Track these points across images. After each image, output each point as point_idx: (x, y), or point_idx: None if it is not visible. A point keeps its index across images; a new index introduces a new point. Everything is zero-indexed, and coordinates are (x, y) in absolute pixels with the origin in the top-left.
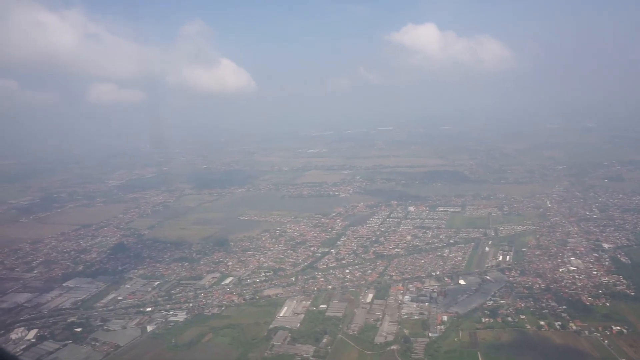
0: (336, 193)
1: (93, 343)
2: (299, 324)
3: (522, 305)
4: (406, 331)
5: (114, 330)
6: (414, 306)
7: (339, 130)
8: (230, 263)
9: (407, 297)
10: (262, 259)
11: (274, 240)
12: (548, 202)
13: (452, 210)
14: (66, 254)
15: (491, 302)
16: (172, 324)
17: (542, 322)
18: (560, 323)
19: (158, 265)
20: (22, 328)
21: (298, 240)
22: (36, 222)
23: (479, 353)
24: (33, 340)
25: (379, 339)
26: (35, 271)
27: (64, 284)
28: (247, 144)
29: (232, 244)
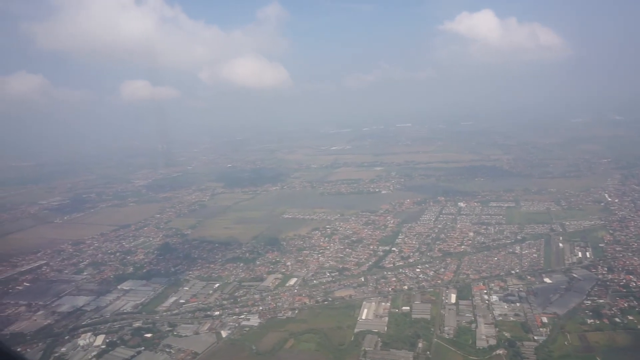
0: (376, 190)
1: (168, 350)
2: (385, 328)
3: (626, 304)
4: (507, 334)
5: (187, 336)
6: (505, 307)
7: (356, 127)
8: (289, 263)
9: (494, 297)
10: (321, 258)
11: (327, 238)
12: (607, 196)
13: (506, 205)
14: (112, 255)
15: (589, 302)
16: (246, 329)
17: None
18: None
19: (212, 266)
20: (89, 333)
21: (353, 238)
22: (71, 222)
23: (598, 358)
24: (103, 346)
25: (480, 343)
26: (85, 273)
27: (119, 287)
28: (265, 142)
29: (284, 243)
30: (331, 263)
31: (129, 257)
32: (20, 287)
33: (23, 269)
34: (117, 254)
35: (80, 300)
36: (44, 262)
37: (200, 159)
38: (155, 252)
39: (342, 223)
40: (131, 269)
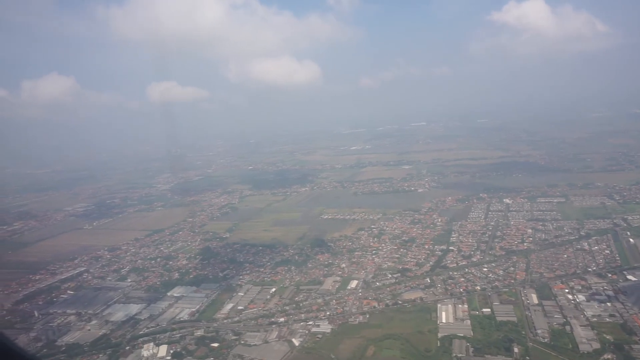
0: (412, 188)
1: None
2: (471, 332)
3: None
4: (608, 337)
5: (256, 345)
6: (596, 307)
7: (370, 127)
8: (343, 265)
9: (580, 297)
10: (376, 259)
11: (375, 239)
12: None
13: (555, 201)
14: (152, 261)
15: None
16: (318, 335)
17: None
18: None
19: (262, 270)
20: (151, 344)
21: (404, 238)
22: (101, 228)
23: None
24: (168, 357)
25: (583, 347)
26: (129, 280)
27: (169, 294)
28: (279, 144)
29: (332, 244)
30: (389, 264)
31: (171, 263)
32: (64, 296)
33: (63, 277)
34: (158, 259)
35: (132, 309)
36: (84, 269)
37: (218, 162)
38: (198, 256)
39: (387, 222)
40: (177, 274)
